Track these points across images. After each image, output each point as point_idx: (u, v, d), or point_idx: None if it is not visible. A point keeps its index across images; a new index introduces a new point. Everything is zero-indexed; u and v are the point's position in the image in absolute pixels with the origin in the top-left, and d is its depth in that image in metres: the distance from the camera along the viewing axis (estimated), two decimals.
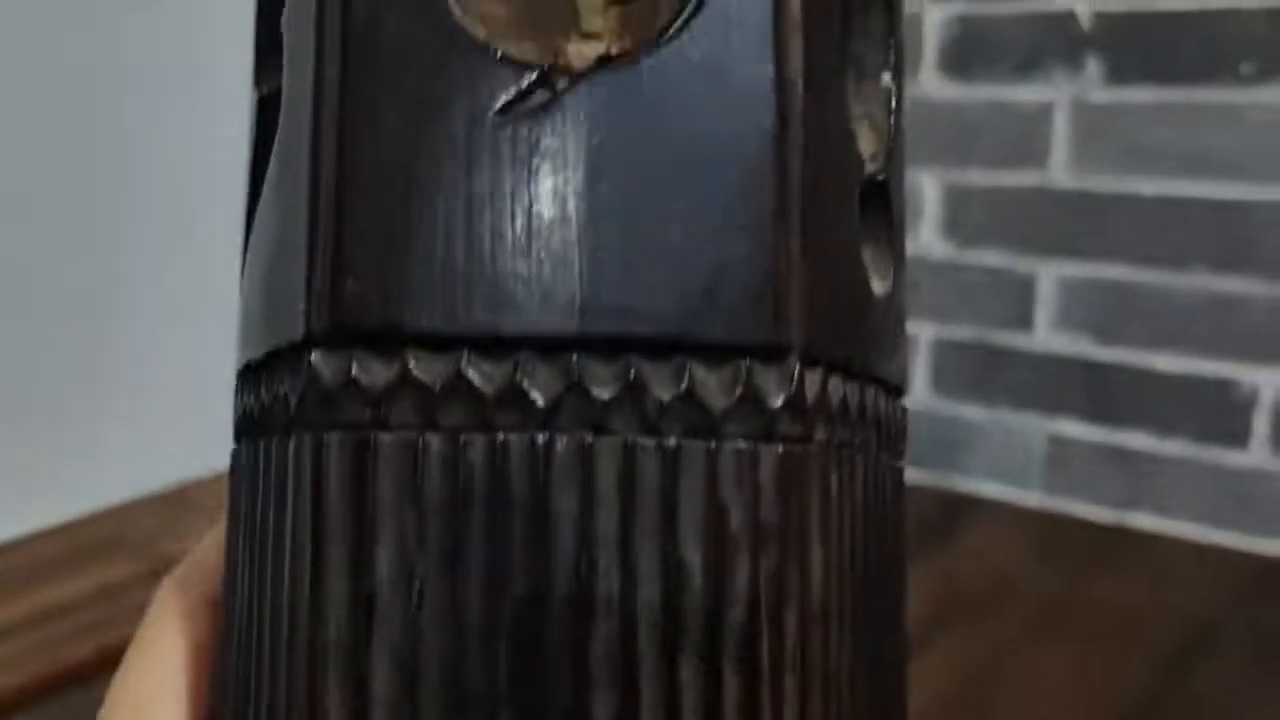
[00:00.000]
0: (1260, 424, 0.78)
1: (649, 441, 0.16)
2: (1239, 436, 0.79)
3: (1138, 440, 0.83)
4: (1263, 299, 0.77)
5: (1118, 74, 0.80)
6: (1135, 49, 0.79)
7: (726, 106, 0.17)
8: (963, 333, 0.89)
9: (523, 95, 0.17)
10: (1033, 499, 0.88)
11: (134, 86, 0.80)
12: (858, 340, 0.19)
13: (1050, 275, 0.85)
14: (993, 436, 0.89)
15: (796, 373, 0.17)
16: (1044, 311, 0.86)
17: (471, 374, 0.16)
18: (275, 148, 0.18)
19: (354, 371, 0.17)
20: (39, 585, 0.69)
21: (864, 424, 0.18)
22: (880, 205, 0.20)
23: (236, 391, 0.20)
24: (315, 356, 0.17)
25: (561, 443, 0.16)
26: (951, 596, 0.72)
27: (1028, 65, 0.83)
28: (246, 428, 0.19)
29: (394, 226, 0.16)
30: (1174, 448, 0.82)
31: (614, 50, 0.26)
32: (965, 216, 0.88)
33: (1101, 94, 0.81)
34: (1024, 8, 0.83)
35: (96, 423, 0.81)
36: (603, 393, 0.16)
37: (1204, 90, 0.77)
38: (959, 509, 0.87)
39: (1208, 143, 0.78)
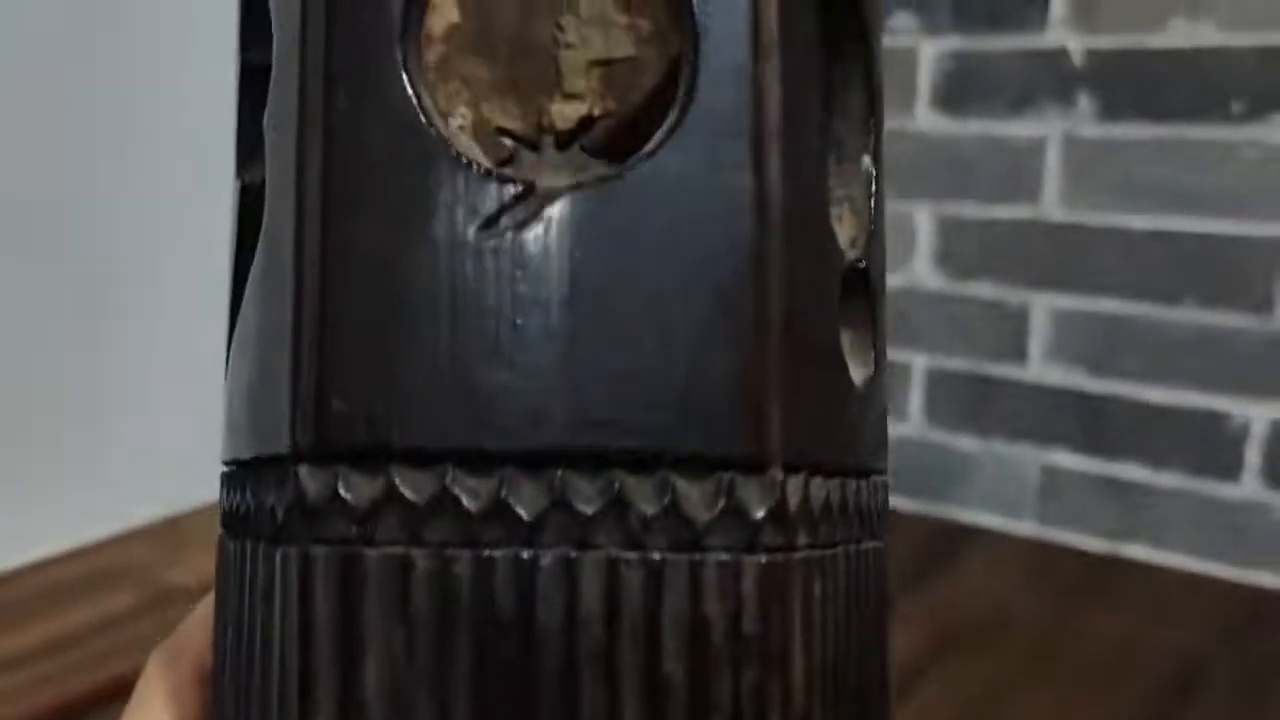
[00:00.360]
0: (1252, 457, 0.79)
1: (633, 556, 0.16)
2: (1231, 469, 0.80)
3: (1131, 472, 0.84)
4: (1254, 333, 0.78)
5: (1110, 110, 0.81)
6: (1127, 86, 0.80)
7: (707, 219, 0.17)
8: (957, 363, 0.90)
9: (505, 209, 0.17)
10: (1026, 529, 0.88)
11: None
12: (839, 438, 0.19)
13: (1043, 307, 0.86)
14: (987, 467, 0.90)
15: (779, 482, 0.17)
16: (1037, 343, 0.86)
17: (457, 490, 0.16)
18: (258, 253, 0.18)
19: (340, 488, 0.17)
20: (39, 617, 0.69)
21: (846, 520, 0.19)
22: (860, 290, 0.20)
23: (223, 484, 0.20)
24: (302, 472, 0.17)
25: (546, 559, 0.16)
26: (946, 628, 0.72)
27: (1021, 101, 0.84)
28: (233, 525, 0.19)
29: (378, 343, 0.16)
30: (1167, 480, 0.82)
31: (596, 111, 0.27)
32: (959, 249, 0.88)
33: (1093, 130, 0.82)
34: (1017, 44, 0.83)
35: (95, 452, 0.81)
36: (587, 508, 0.16)
37: (1195, 127, 0.78)
38: (953, 539, 0.87)
39: (1199, 179, 0.78)
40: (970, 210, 0.87)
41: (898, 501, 0.83)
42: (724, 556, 0.16)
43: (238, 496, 0.19)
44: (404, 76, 0.17)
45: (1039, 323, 0.86)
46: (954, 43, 0.86)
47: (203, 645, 0.21)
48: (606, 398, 0.16)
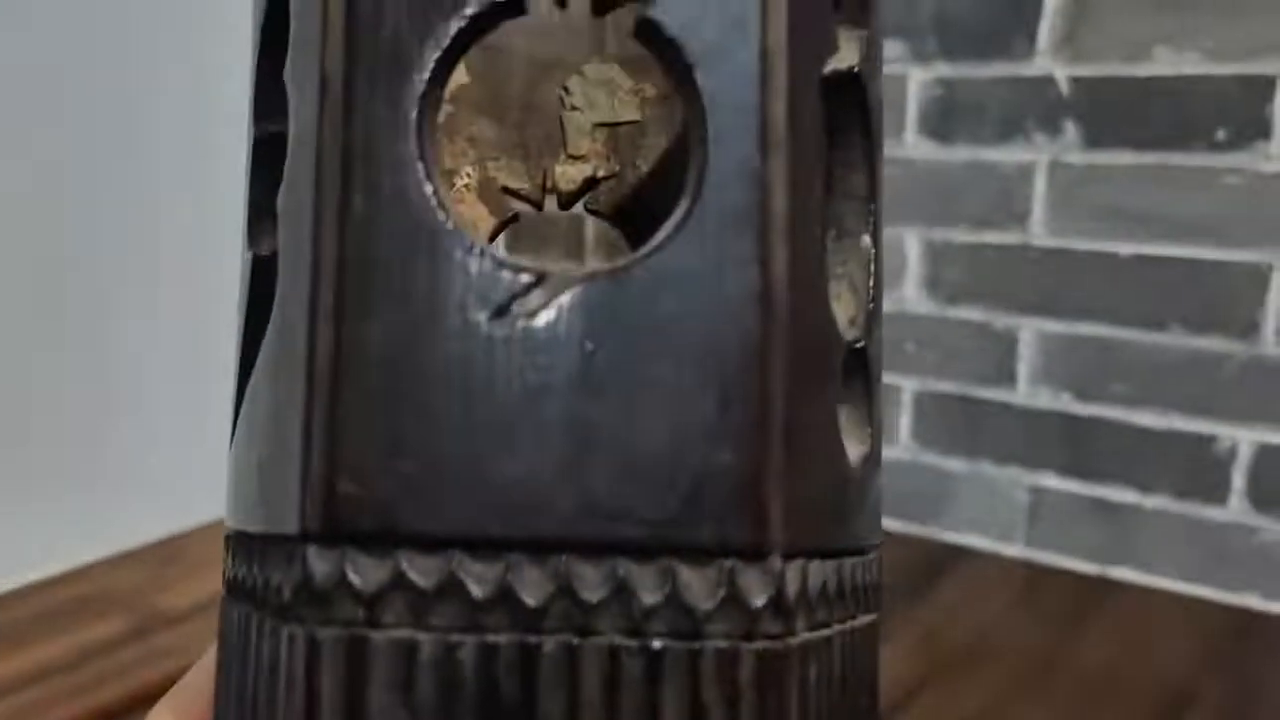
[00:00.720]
0: (1239, 480, 0.80)
1: (633, 643, 0.17)
2: (1218, 492, 0.80)
3: (1118, 494, 0.84)
4: (1240, 358, 0.79)
5: (1096, 138, 0.82)
6: (1112, 114, 0.81)
7: (714, 314, 0.17)
8: (945, 386, 0.90)
9: (516, 298, 0.17)
10: (1014, 551, 0.89)
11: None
12: (837, 520, 0.19)
13: (1031, 331, 0.86)
14: (975, 489, 0.90)
15: (778, 571, 0.17)
16: (1025, 367, 0.87)
17: (463, 576, 0.17)
18: (269, 337, 0.19)
19: (348, 571, 0.17)
20: (27, 643, 0.68)
21: (842, 600, 0.19)
22: (859, 369, 0.21)
23: (228, 549, 0.20)
24: (310, 553, 0.17)
25: (549, 645, 0.17)
26: (935, 650, 0.73)
27: (1008, 128, 0.85)
28: (238, 593, 0.19)
29: (388, 430, 0.17)
30: (1154, 502, 0.83)
31: (600, 173, 0.27)
32: (948, 274, 0.89)
33: (1080, 156, 0.82)
34: (1004, 73, 0.84)
35: (84, 477, 0.80)
36: (591, 595, 0.17)
37: (1180, 155, 0.79)
38: (942, 560, 0.87)
39: (1184, 205, 0.79)
40: (958, 235, 0.88)
41: (887, 523, 0.83)
42: (723, 644, 0.17)
43: (243, 568, 0.19)
44: (420, 171, 0.17)
45: (1027, 346, 0.87)
46: (942, 70, 0.87)
47: (206, 698, 0.21)
48: (613, 487, 0.17)
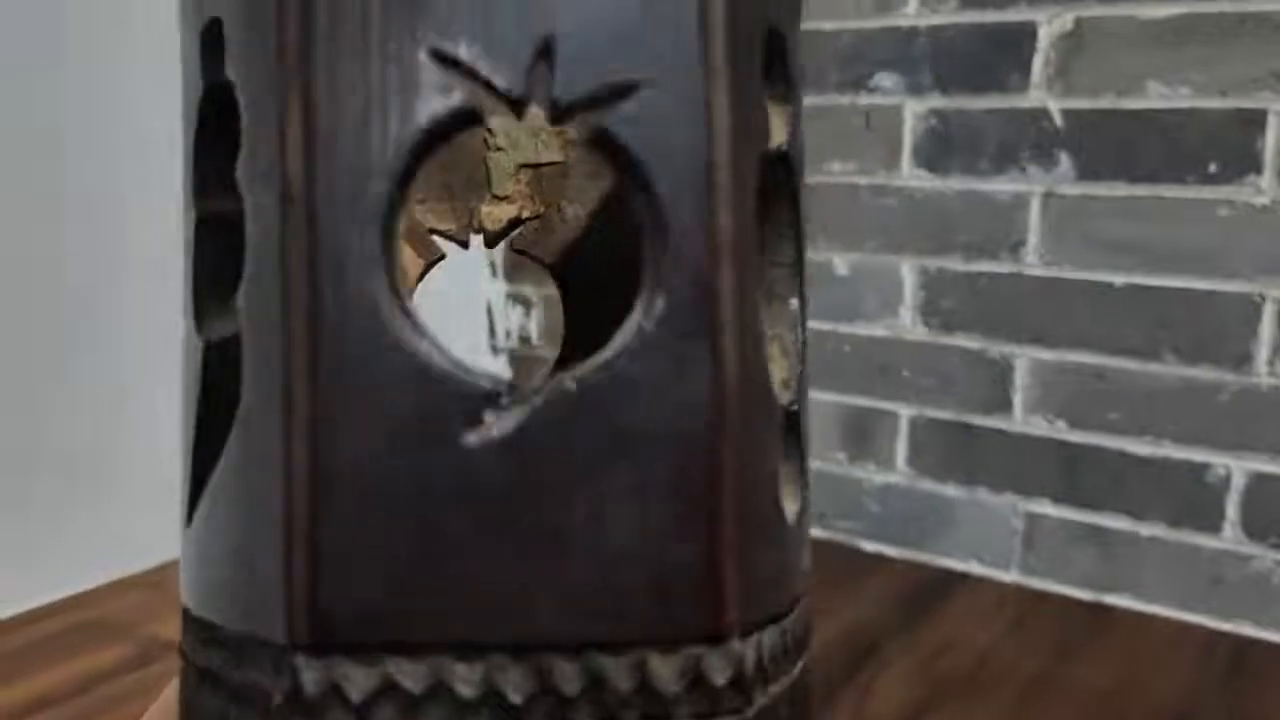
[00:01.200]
0: (1232, 508, 0.80)
1: None
2: (1212, 520, 0.81)
3: (1113, 522, 0.85)
4: (1233, 387, 0.80)
5: (1089, 169, 0.83)
6: (1106, 146, 0.82)
7: (671, 416, 0.18)
8: (941, 414, 0.91)
9: (489, 412, 0.17)
10: (1009, 577, 0.89)
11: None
12: (782, 585, 0.20)
13: (1026, 360, 0.87)
14: (971, 515, 0.91)
15: (737, 651, 0.18)
16: (1020, 395, 0.88)
17: (451, 679, 0.17)
18: (236, 436, 0.19)
19: (338, 680, 0.17)
20: (27, 671, 0.68)
21: (786, 655, 0.20)
22: (793, 427, 0.21)
23: (190, 629, 0.20)
24: (298, 662, 0.17)
25: None
26: (933, 676, 0.73)
27: (1003, 159, 0.86)
28: (214, 684, 0.19)
29: (370, 539, 0.17)
30: (1148, 530, 0.83)
31: (525, 214, 0.28)
32: (943, 302, 0.90)
33: (1073, 188, 0.83)
34: (999, 104, 0.85)
35: (84, 503, 0.80)
36: (570, 689, 0.18)
37: (1172, 187, 0.80)
38: (938, 586, 0.88)
39: (1177, 236, 0.80)
40: (954, 264, 0.89)
41: (884, 549, 0.83)
42: None
43: (218, 660, 0.19)
44: (388, 279, 0.17)
45: (1021, 375, 0.87)
46: (937, 102, 0.88)
47: None
48: (587, 587, 0.18)
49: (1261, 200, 0.77)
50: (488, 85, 0.17)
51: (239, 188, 0.19)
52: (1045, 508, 0.87)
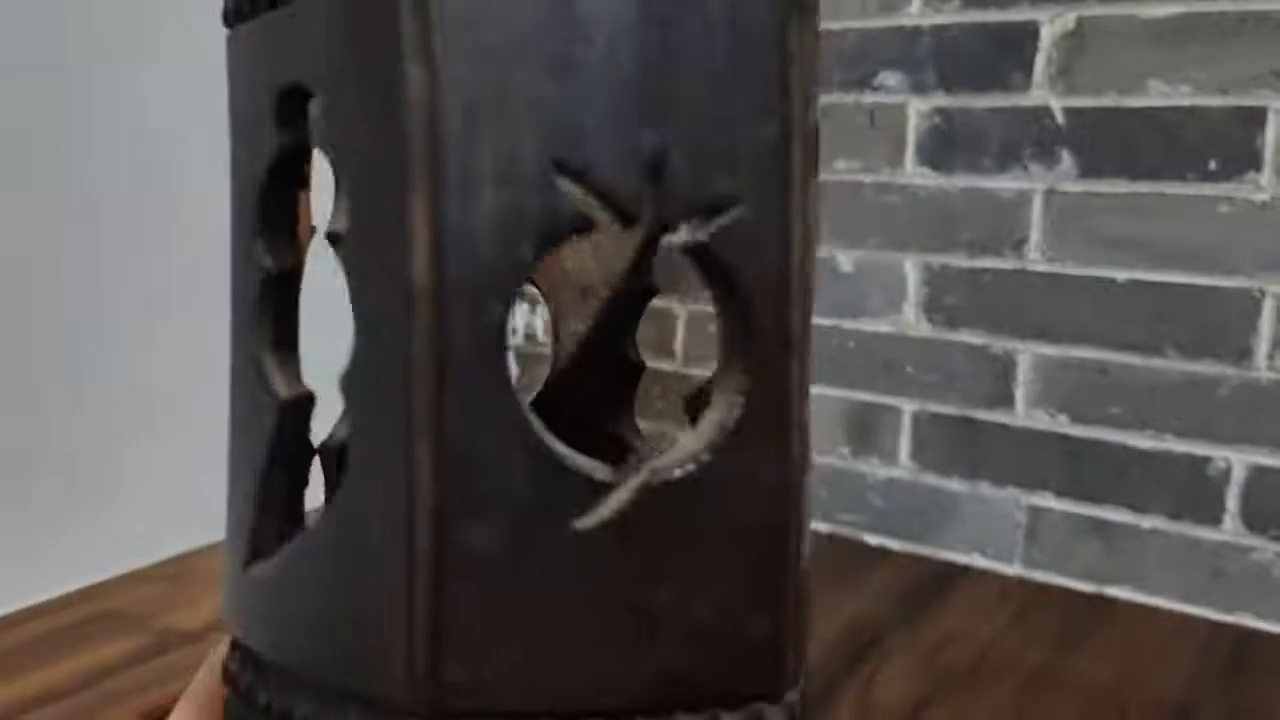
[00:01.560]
0: (1232, 501, 0.81)
1: None
2: (1213, 512, 0.82)
3: (1114, 515, 0.86)
4: (1233, 381, 0.80)
5: (1091, 166, 0.83)
6: (1107, 143, 0.83)
7: (753, 505, 0.20)
8: (945, 409, 0.92)
9: (597, 502, 0.19)
10: (1012, 570, 0.90)
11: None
12: (809, 632, 0.22)
13: (1028, 355, 0.88)
14: (974, 509, 0.92)
15: (794, 703, 0.21)
16: (1023, 390, 0.88)
17: None
18: (340, 503, 0.20)
19: None
20: (38, 663, 0.69)
21: (808, 676, 0.22)
22: None
23: (256, 666, 0.21)
24: None
25: None
26: (937, 668, 0.74)
27: (1006, 157, 0.86)
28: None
29: (489, 619, 0.19)
30: (1150, 522, 0.84)
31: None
32: (947, 298, 0.91)
33: (1075, 185, 0.84)
34: (1002, 103, 0.86)
35: (94, 497, 0.81)
36: None
37: (1173, 184, 0.81)
38: (941, 579, 0.88)
39: (1177, 233, 0.81)
40: (957, 261, 0.90)
41: (887, 542, 0.84)
42: None
43: (306, 706, 0.20)
44: (511, 375, 0.19)
45: (1024, 370, 0.88)
46: (941, 101, 0.88)
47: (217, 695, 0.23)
48: (674, 659, 0.19)
49: (1261, 197, 0.78)
50: (605, 196, 0.18)
51: (343, 267, 0.19)
52: (1048, 501, 0.88)
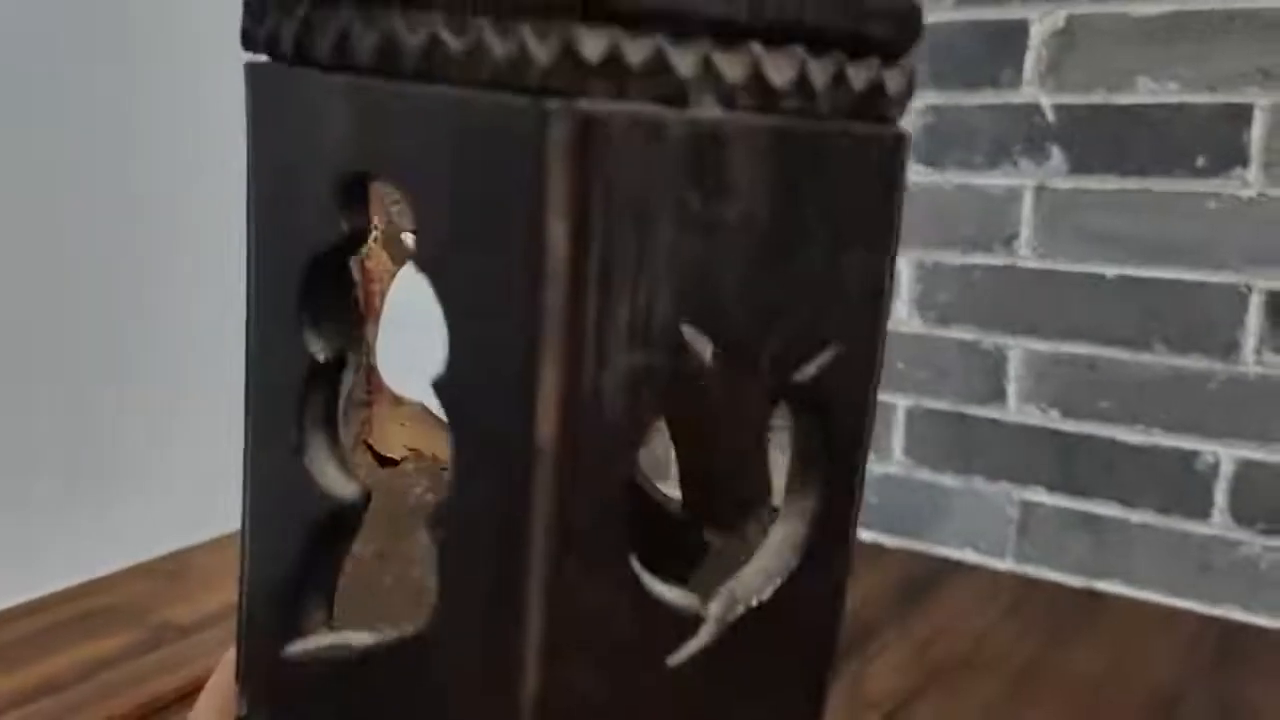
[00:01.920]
0: (1220, 495, 0.82)
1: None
2: (1201, 506, 0.82)
3: (1105, 509, 0.86)
4: (1222, 376, 0.81)
5: (1080, 163, 0.84)
6: (1096, 140, 0.83)
7: (817, 614, 0.22)
8: (937, 404, 0.92)
9: (687, 635, 0.20)
10: (1004, 564, 0.91)
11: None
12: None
13: (1019, 350, 0.88)
14: (966, 504, 0.92)
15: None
16: (1014, 385, 0.89)
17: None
18: (439, 623, 0.19)
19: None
20: (37, 656, 0.69)
21: None
22: None
23: None
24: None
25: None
26: (929, 661, 0.74)
27: (996, 154, 0.87)
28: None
29: None
30: (1139, 517, 0.85)
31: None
32: (939, 294, 0.91)
33: (1065, 182, 0.85)
34: (992, 100, 0.87)
35: (93, 490, 0.81)
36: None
37: (1161, 180, 0.81)
38: (934, 574, 0.89)
39: (1166, 229, 0.81)
40: (949, 257, 0.90)
41: (881, 538, 0.84)
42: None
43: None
44: (626, 537, 0.19)
45: (1015, 365, 0.88)
46: (933, 98, 0.89)
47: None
48: None
49: (1248, 193, 0.78)
50: (733, 348, 0.19)
51: (443, 409, 0.18)
52: (1039, 495, 0.89)
